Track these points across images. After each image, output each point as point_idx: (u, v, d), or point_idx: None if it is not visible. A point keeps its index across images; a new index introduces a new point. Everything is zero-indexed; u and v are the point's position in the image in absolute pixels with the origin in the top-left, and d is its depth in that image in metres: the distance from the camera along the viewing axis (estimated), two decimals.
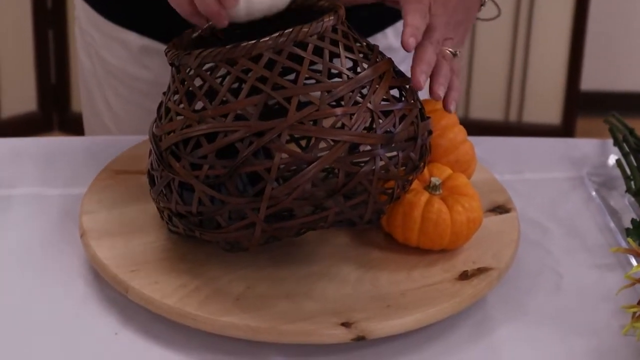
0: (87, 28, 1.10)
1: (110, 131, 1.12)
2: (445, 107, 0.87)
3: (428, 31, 0.86)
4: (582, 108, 2.57)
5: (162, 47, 1.04)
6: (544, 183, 1.02)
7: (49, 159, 1.01)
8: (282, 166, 0.76)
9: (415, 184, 0.86)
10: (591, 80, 2.63)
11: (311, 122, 0.76)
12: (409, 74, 0.84)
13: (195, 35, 0.86)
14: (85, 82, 1.14)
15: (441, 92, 0.85)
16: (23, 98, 2.40)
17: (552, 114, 2.56)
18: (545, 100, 2.56)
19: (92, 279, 0.84)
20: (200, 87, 0.79)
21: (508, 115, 2.60)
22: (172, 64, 0.81)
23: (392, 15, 1.08)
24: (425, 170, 0.87)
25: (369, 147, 0.78)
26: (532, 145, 1.10)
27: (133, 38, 1.06)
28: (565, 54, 2.51)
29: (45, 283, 0.84)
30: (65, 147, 1.05)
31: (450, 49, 0.89)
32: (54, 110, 2.44)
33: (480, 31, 2.49)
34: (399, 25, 1.09)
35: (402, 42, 0.83)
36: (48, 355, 0.77)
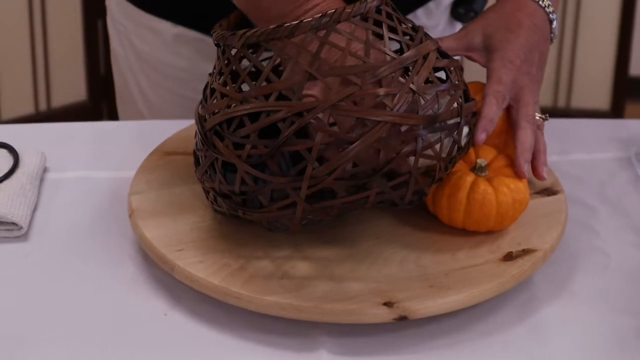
0: (119, 17, 1.11)
1: (144, 118, 1.13)
2: (538, 175, 0.87)
3: (522, 107, 0.88)
4: (631, 93, 2.54)
5: (196, 34, 1.05)
6: (592, 164, 1.02)
7: (98, 143, 1.03)
8: (323, 146, 0.77)
9: (461, 166, 0.86)
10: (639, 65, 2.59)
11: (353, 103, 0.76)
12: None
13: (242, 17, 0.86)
14: (119, 69, 1.15)
15: (545, 173, 0.87)
16: (73, 88, 2.44)
17: (601, 99, 2.53)
18: (594, 86, 2.53)
19: (141, 260, 0.86)
20: (245, 67, 0.79)
21: (557, 100, 2.58)
22: (217, 45, 0.82)
23: None
24: (471, 152, 0.87)
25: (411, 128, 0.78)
26: (579, 127, 1.09)
27: (166, 27, 1.06)
28: (614, 38, 2.48)
29: (94, 264, 0.85)
30: (114, 131, 1.06)
31: (540, 115, 0.90)
32: (104, 100, 2.47)
33: None
34: (431, 5, 1.10)
35: (474, 136, 0.84)
36: (98, 335, 0.78)
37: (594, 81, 2.53)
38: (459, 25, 1.14)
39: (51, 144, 1.00)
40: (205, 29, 1.03)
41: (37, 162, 0.95)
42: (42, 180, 0.96)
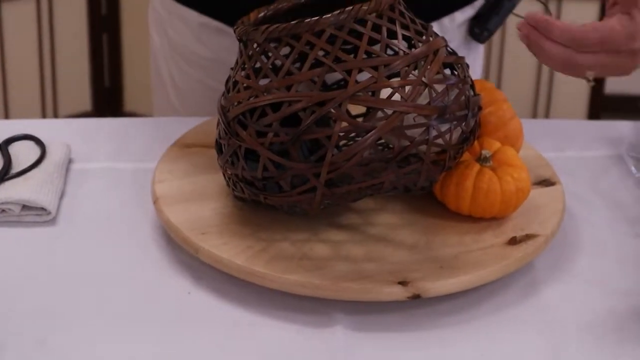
0: (157, 6, 1.17)
1: (175, 107, 1.18)
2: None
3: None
4: (605, 110, 2.65)
5: (220, 25, 1.10)
6: (585, 160, 1.06)
7: (121, 136, 1.07)
8: (341, 134, 0.82)
9: (467, 157, 0.91)
10: (615, 84, 2.71)
11: (369, 94, 0.82)
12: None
13: (261, 15, 0.92)
14: (155, 58, 1.20)
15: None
16: (78, 99, 2.48)
17: (577, 115, 2.64)
18: (571, 100, 2.64)
19: (165, 244, 0.90)
20: (266, 61, 0.84)
21: (536, 113, 2.72)
22: (240, 40, 0.87)
23: (447, 6, 1.13)
24: (476, 144, 0.92)
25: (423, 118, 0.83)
26: (571, 126, 1.14)
27: (193, 15, 1.11)
28: None
29: (120, 247, 0.89)
30: (136, 126, 1.10)
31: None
32: (108, 111, 2.52)
33: (510, 33, 2.56)
34: (445, 20, 1.14)
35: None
36: (126, 313, 0.82)
37: (572, 96, 2.64)
38: (474, 44, 1.18)
39: (75, 138, 1.05)
40: (227, 20, 1.08)
41: (63, 153, 1.00)
42: (67, 170, 1.00)
